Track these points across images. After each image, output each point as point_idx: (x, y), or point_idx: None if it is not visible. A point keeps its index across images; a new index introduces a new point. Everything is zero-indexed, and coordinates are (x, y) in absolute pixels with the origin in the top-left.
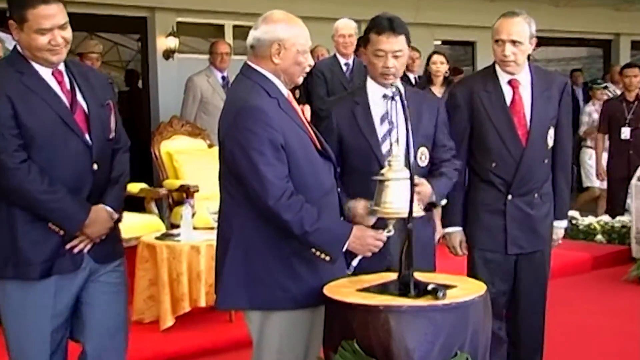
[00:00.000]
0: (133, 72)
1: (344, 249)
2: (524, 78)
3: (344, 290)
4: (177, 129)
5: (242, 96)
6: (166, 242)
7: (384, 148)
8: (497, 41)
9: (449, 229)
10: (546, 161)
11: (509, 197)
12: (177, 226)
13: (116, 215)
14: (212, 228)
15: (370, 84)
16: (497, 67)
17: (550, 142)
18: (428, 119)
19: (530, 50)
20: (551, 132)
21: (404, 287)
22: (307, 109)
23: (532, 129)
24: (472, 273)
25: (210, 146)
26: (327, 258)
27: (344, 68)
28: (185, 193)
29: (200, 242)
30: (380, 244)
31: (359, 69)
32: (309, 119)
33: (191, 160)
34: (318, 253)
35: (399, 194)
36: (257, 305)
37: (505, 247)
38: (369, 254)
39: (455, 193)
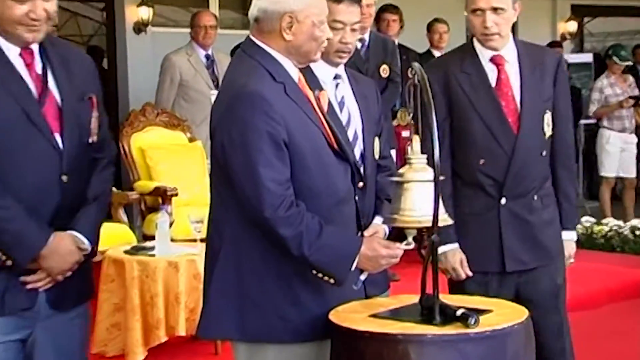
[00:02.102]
0: (96, 48)
1: (352, 269)
2: (509, 54)
3: (355, 316)
4: (151, 119)
5: (240, 79)
6: (137, 257)
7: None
8: (474, 11)
9: (444, 248)
10: (544, 153)
11: (502, 201)
12: (152, 238)
13: (88, 247)
14: (193, 240)
15: (317, 64)
16: (476, 43)
17: (548, 130)
18: (373, 104)
19: (514, 18)
20: (547, 117)
21: (427, 312)
22: (325, 95)
23: (523, 113)
24: None
25: (191, 140)
26: (331, 281)
27: (358, 46)
28: (161, 197)
29: (180, 257)
30: (396, 261)
31: (376, 46)
32: (326, 107)
33: (168, 157)
34: (320, 275)
35: (421, 199)
36: (249, 335)
37: (503, 264)
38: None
39: (443, 203)
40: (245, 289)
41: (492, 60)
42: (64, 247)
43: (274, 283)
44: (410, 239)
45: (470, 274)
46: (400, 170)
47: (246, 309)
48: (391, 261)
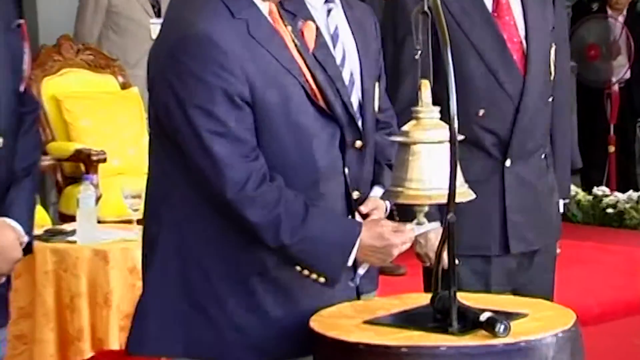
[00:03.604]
0: None
1: (349, 264)
2: None
3: (345, 322)
4: (69, 58)
5: (187, 15)
6: (52, 245)
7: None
8: None
9: (425, 227)
10: (550, 99)
11: (507, 162)
12: (72, 218)
13: (25, 241)
14: (128, 222)
15: None
16: None
17: (553, 69)
18: (371, 37)
19: None
20: (553, 52)
21: (441, 316)
22: (312, 27)
23: (531, 47)
24: None
25: (124, 86)
26: (322, 280)
27: None
28: (84, 164)
29: (110, 245)
30: (406, 247)
31: None
32: (312, 42)
33: (93, 110)
34: (306, 272)
35: (432, 166)
36: (196, 352)
37: (506, 243)
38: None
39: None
40: (190, 291)
41: None
42: (5, 240)
43: (228, 282)
44: (421, 217)
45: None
46: (405, 128)
47: (192, 317)
48: (403, 249)
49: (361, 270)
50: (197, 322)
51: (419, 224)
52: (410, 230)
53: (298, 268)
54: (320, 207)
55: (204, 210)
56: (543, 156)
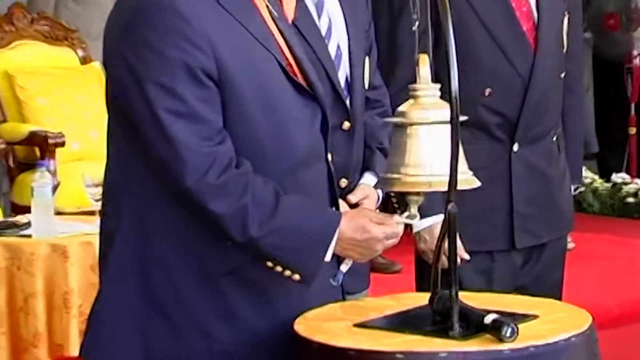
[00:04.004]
0: None
1: (327, 259)
2: None
3: (333, 325)
4: (22, 29)
5: None
6: (4, 239)
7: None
8: None
9: (427, 220)
10: (563, 75)
11: (515, 147)
12: (26, 209)
13: None
14: (90, 213)
15: None
16: None
17: (565, 41)
18: (360, 6)
19: None
20: (566, 22)
21: (440, 318)
22: None
23: (542, 19)
24: None
25: (85, 60)
26: (296, 277)
27: None
28: (40, 148)
29: (69, 239)
30: (395, 241)
31: None
32: (292, 12)
33: (50, 87)
34: (279, 269)
35: (432, 150)
36: None
37: (512, 237)
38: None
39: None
40: (152, 291)
41: None
42: None
43: (195, 282)
44: (414, 209)
45: (467, 257)
46: (402, 108)
47: (153, 321)
48: (388, 243)
49: (344, 267)
50: (159, 327)
51: (410, 216)
52: (397, 223)
53: (269, 264)
54: (294, 195)
55: (167, 200)
56: (554, 139)
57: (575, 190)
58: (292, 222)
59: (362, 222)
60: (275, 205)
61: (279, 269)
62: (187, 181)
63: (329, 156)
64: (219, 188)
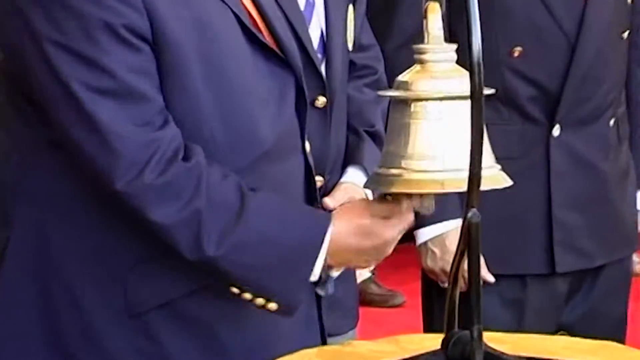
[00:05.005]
0: None
1: (314, 277)
2: None
3: None
4: None
5: None
6: None
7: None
8: None
9: (437, 227)
10: (626, 34)
11: (556, 131)
12: None
13: None
14: None
15: None
16: None
17: None
18: None
19: None
20: None
21: None
22: None
23: None
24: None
25: None
26: (272, 306)
27: None
28: None
29: None
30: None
31: None
32: None
33: None
34: (247, 296)
35: (446, 135)
36: None
37: (552, 257)
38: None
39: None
40: (53, 326)
41: None
42: None
43: (112, 316)
44: (428, 202)
45: (492, 279)
46: (403, 76)
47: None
48: (397, 238)
49: (334, 273)
50: None
51: (426, 207)
52: (409, 210)
53: (235, 290)
54: (264, 192)
55: (77, 205)
56: (612, 121)
57: None
58: (264, 230)
59: (363, 222)
60: (240, 209)
61: (247, 296)
62: (118, 181)
63: (307, 145)
64: (162, 190)
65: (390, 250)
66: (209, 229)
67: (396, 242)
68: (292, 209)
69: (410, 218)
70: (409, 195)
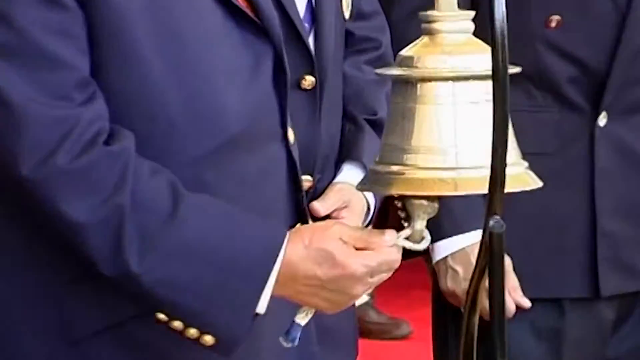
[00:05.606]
0: None
1: (262, 309)
2: None
3: None
4: None
5: None
6: None
7: None
8: None
9: (465, 238)
10: None
11: (601, 120)
12: None
13: None
14: None
15: None
16: None
17: None
18: None
19: None
20: None
21: None
22: None
23: None
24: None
25: None
26: (208, 339)
27: None
28: None
29: None
30: (382, 279)
31: None
32: None
33: None
34: (178, 325)
35: (461, 125)
36: None
37: (595, 277)
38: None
39: None
40: None
41: None
42: None
43: (45, 341)
44: (420, 224)
45: (528, 303)
46: (408, 51)
47: None
48: (374, 281)
49: (301, 318)
50: None
51: (414, 236)
52: (390, 245)
53: (161, 316)
54: (204, 195)
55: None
56: None
57: None
58: (200, 243)
59: (328, 247)
60: (172, 212)
61: (177, 324)
62: (24, 165)
63: (290, 135)
64: (76, 178)
65: (358, 290)
66: (130, 236)
67: (368, 282)
68: (239, 217)
69: (392, 256)
70: (400, 221)
